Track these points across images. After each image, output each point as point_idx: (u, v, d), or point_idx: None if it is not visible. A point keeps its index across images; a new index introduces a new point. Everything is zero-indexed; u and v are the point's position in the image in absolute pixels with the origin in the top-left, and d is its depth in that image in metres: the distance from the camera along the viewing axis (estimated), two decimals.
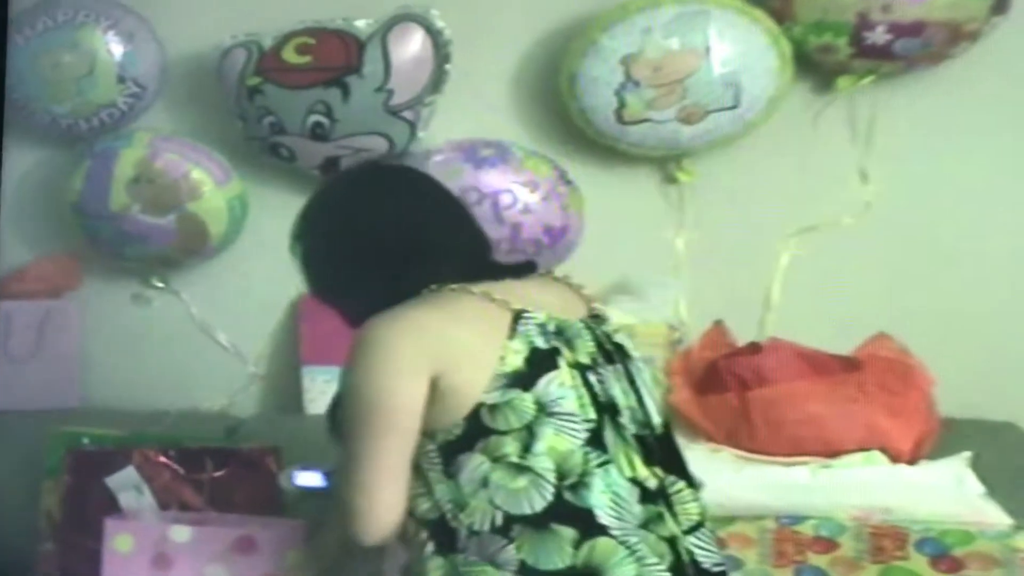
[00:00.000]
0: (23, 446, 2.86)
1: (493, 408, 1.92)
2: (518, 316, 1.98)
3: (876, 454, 2.56)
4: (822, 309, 2.88)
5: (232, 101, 3.08)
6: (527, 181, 2.95)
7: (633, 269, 2.95)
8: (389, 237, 2.05)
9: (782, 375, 2.61)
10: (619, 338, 2.08)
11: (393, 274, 2.03)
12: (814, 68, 2.94)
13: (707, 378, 2.70)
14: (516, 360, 1.95)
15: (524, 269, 2.13)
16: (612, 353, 2.04)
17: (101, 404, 3.14)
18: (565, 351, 1.98)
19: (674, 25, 2.86)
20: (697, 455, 2.30)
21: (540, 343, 1.97)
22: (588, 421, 1.95)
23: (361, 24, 2.98)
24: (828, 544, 2.50)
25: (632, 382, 2.03)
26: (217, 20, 3.13)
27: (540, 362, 1.96)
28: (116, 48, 3.09)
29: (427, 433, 1.96)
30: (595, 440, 1.94)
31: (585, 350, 2.01)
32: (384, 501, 1.95)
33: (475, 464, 1.92)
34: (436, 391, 1.94)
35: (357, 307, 2.06)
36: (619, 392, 2.00)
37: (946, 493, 2.49)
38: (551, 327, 1.99)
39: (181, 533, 2.41)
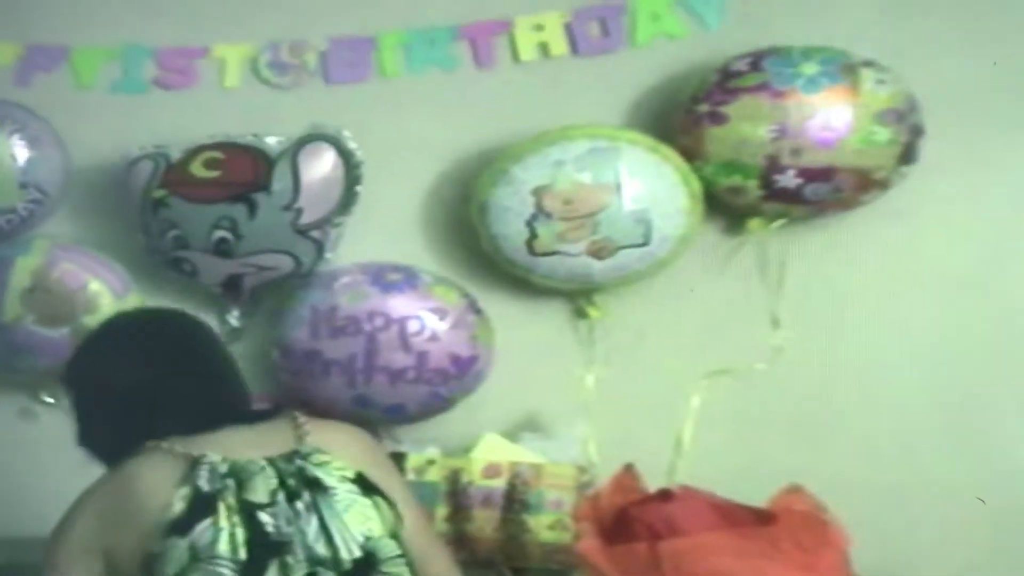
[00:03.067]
0: None
1: (155, 557, 1.80)
2: (195, 463, 1.85)
3: None
4: (734, 456, 2.57)
5: (135, 212, 2.76)
6: (435, 308, 2.65)
7: (542, 405, 2.67)
8: (107, 390, 1.95)
9: (694, 526, 2.27)
10: (317, 472, 1.89)
11: (111, 426, 1.94)
12: (725, 209, 2.68)
13: (616, 525, 2.35)
14: (178, 507, 1.82)
15: (261, 415, 1.98)
16: (297, 489, 1.86)
17: None
18: (230, 493, 1.83)
19: (586, 160, 2.61)
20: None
21: (204, 487, 1.83)
22: (237, 563, 1.79)
23: (272, 141, 2.70)
24: None
25: (321, 517, 1.85)
26: (125, 130, 2.82)
27: (200, 506, 1.82)
28: (20, 152, 2.77)
29: None
30: None
31: (265, 488, 1.85)
32: None
33: None
34: (118, 553, 1.84)
35: (97, 455, 1.98)
36: (296, 530, 1.84)
37: None
38: (222, 469, 1.85)
39: None
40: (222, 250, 2.69)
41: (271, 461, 1.88)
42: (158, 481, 1.85)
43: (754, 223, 2.67)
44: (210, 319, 2.74)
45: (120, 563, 1.84)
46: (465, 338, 2.66)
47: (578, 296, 2.74)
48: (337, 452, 1.92)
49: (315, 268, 2.74)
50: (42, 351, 2.74)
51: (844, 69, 2.57)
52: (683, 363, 2.63)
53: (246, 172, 2.69)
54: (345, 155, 2.71)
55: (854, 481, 2.53)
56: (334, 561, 1.85)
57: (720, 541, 2.29)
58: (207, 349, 2.05)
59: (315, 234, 2.71)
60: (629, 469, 2.55)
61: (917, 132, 2.57)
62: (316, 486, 1.88)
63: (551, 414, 2.68)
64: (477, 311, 2.71)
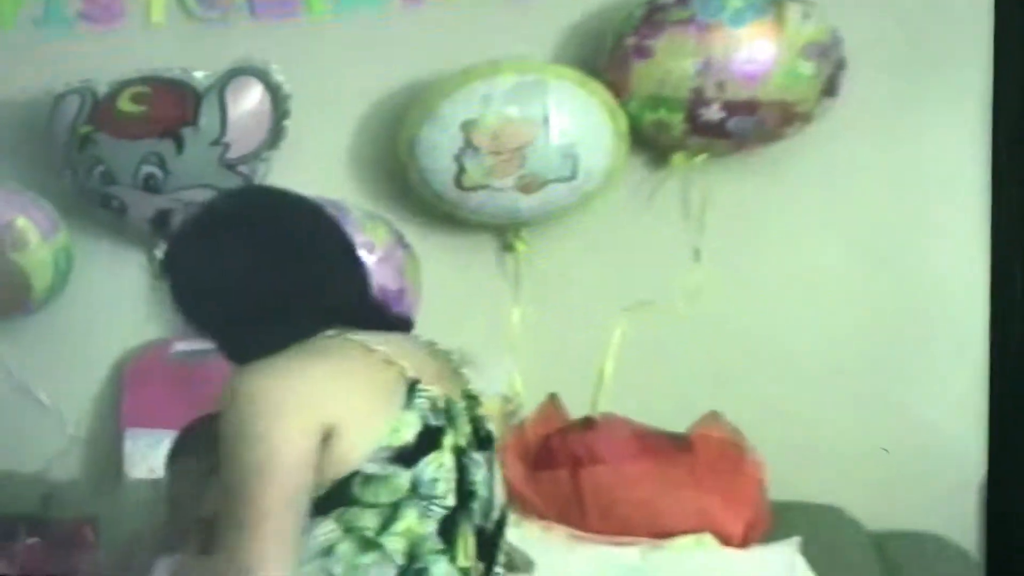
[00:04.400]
0: None
1: (368, 478, 1.64)
2: (413, 385, 1.70)
3: (707, 537, 2.37)
4: (654, 385, 2.66)
5: (62, 149, 2.78)
6: (364, 243, 2.65)
7: (468, 339, 2.71)
8: (268, 270, 1.73)
9: (614, 454, 2.41)
10: (488, 424, 1.81)
11: (271, 310, 1.73)
12: (650, 144, 2.72)
13: (540, 454, 2.49)
14: (408, 434, 1.67)
15: (403, 324, 1.84)
16: (483, 439, 1.79)
17: None
18: (449, 431, 1.72)
19: (513, 94, 2.63)
20: (529, 533, 2.08)
21: (431, 420, 1.70)
22: (445, 508, 1.69)
23: (199, 75, 2.72)
24: None
25: (491, 471, 1.78)
26: (50, 66, 2.83)
27: (427, 441, 1.69)
28: None
29: None
30: (444, 527, 1.68)
31: (463, 432, 1.75)
32: (281, 564, 1.59)
33: (323, 530, 1.63)
34: (325, 444, 1.64)
35: (232, 340, 1.76)
36: (479, 481, 1.76)
37: None
38: (441, 403, 1.72)
39: None
40: (150, 186, 2.72)
41: (466, 404, 1.79)
42: (379, 392, 1.69)
43: (678, 158, 2.72)
44: (139, 255, 2.86)
45: (320, 462, 1.64)
46: (393, 272, 2.70)
47: (505, 231, 2.79)
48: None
49: None
50: None
51: (770, 3, 2.61)
52: (607, 298, 2.72)
53: (173, 107, 2.71)
54: (273, 89, 2.73)
55: (769, 413, 2.62)
56: (490, 518, 1.80)
57: (640, 468, 2.42)
58: (346, 235, 1.86)
59: (243, 169, 2.73)
60: (553, 399, 2.66)
61: (840, 66, 2.63)
62: (489, 439, 1.83)
63: (477, 348, 2.75)
64: (405, 246, 2.76)
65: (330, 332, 1.71)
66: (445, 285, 2.77)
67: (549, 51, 2.77)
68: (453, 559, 1.69)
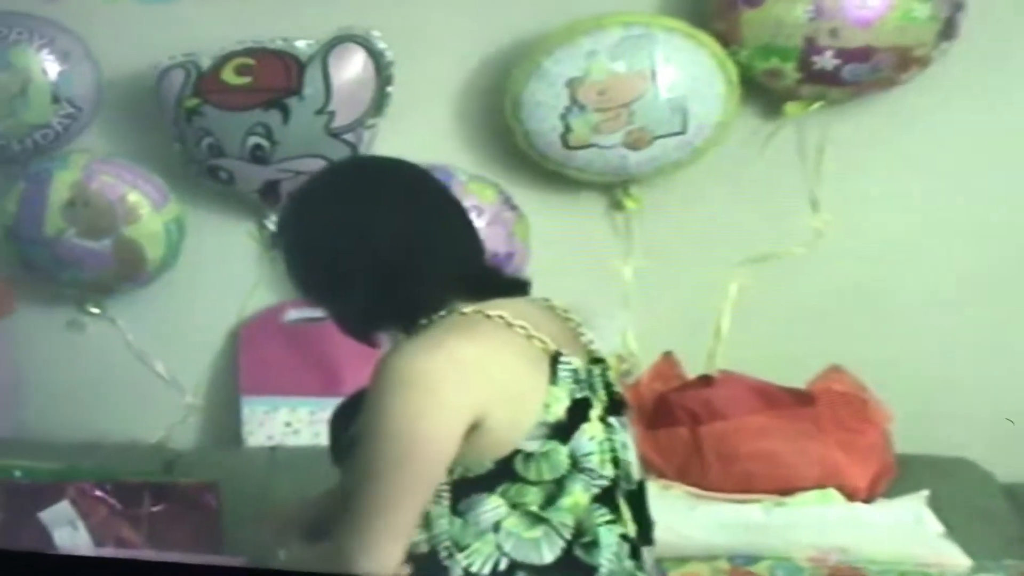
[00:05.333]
0: None
1: (529, 456, 1.68)
2: (555, 358, 1.72)
3: (831, 492, 2.36)
4: (773, 340, 2.65)
5: (169, 122, 2.84)
6: (472, 206, 2.66)
7: (580, 298, 2.73)
8: (389, 239, 1.74)
9: (734, 409, 2.41)
10: (619, 387, 1.83)
11: (388, 280, 1.74)
12: (762, 93, 2.72)
13: (657, 412, 2.49)
14: (559, 409, 1.70)
15: (520, 287, 1.85)
16: (616, 403, 1.80)
17: (34, 435, 2.91)
18: (594, 401, 1.74)
19: (620, 48, 2.64)
20: (648, 492, 2.08)
21: (576, 392, 1.72)
22: (603, 477, 1.73)
23: (302, 45, 2.76)
24: None
25: (626, 434, 1.82)
26: (155, 39, 2.88)
27: (577, 413, 1.72)
28: (51, 67, 2.86)
29: None
30: (606, 497, 1.72)
31: (601, 400, 1.78)
32: (389, 559, 1.66)
33: (490, 506, 1.68)
34: (478, 428, 1.67)
35: (349, 312, 1.79)
36: (620, 446, 1.78)
37: (904, 533, 2.29)
38: (582, 374, 1.74)
39: None
40: (257, 156, 2.77)
41: (600, 371, 1.81)
42: (528, 368, 1.71)
43: (792, 107, 2.71)
44: (249, 225, 2.92)
45: (476, 443, 1.67)
46: (503, 235, 2.74)
47: (614, 188, 2.80)
48: None
49: None
50: (85, 263, 2.86)
51: None
52: (721, 251, 2.71)
53: (278, 77, 2.76)
54: (375, 56, 2.77)
55: (892, 366, 2.59)
56: (632, 481, 1.81)
57: (761, 423, 2.42)
58: (459, 202, 1.87)
59: (349, 137, 2.77)
60: (668, 356, 2.67)
61: (957, 7, 2.60)
62: (622, 402, 1.84)
63: (589, 307, 2.75)
64: (513, 207, 2.78)
65: (466, 309, 1.72)
66: (555, 245, 2.78)
67: (655, 2, 2.75)
68: (619, 528, 1.73)
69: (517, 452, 1.68)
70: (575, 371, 1.72)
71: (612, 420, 1.77)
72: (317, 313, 2.90)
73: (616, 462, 1.75)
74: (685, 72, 2.66)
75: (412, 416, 1.64)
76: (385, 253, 1.73)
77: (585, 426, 1.71)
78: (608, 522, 1.72)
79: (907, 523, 2.30)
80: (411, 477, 1.65)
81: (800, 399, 2.47)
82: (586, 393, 1.72)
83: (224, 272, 2.93)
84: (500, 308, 1.72)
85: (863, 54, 2.60)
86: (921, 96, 2.68)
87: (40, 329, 2.99)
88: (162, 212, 2.87)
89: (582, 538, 1.70)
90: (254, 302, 2.92)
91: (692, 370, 2.61)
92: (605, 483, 1.72)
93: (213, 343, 2.96)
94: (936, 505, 2.35)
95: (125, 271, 2.88)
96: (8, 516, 2.48)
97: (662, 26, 2.67)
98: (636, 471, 1.80)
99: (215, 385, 2.97)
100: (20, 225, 2.88)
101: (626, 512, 1.75)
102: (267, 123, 2.74)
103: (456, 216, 1.83)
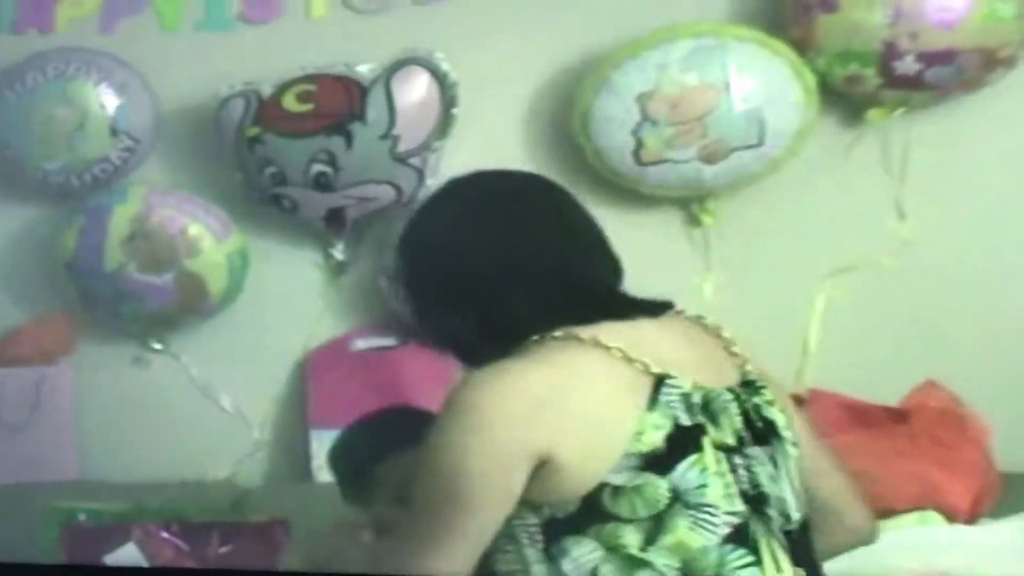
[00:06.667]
0: (15, 523, 2.57)
1: (618, 490, 1.55)
2: (660, 381, 1.59)
3: (931, 513, 2.30)
4: (863, 355, 2.60)
5: (230, 152, 2.86)
6: None
7: None
8: (494, 261, 1.67)
9: (827, 428, 2.31)
10: (770, 413, 1.67)
11: (501, 305, 1.66)
12: (841, 100, 2.68)
13: None
14: (655, 438, 1.57)
15: (659, 307, 1.72)
16: (762, 432, 1.66)
17: (98, 476, 2.91)
18: (710, 428, 1.60)
19: (691, 60, 2.63)
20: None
21: (683, 419, 1.59)
22: (732, 514, 1.58)
23: (363, 69, 2.77)
24: None
25: (777, 466, 1.65)
26: (213, 69, 2.91)
27: (682, 442, 1.58)
28: (108, 101, 2.89)
29: (531, 504, 1.57)
30: (739, 536, 1.57)
31: (731, 427, 1.63)
32: None
33: (584, 550, 1.55)
34: (550, 464, 1.56)
35: (458, 342, 1.72)
36: (766, 479, 1.63)
37: (1011, 556, 2.21)
38: (696, 398, 1.60)
39: None
40: (321, 184, 2.78)
41: (735, 394, 1.66)
42: (617, 395, 1.59)
43: (874, 113, 2.67)
44: (314, 254, 2.91)
45: (554, 480, 1.56)
46: None
47: (690, 203, 2.77)
48: (771, 387, 1.71)
49: (417, 195, 2.78)
50: (147, 297, 2.87)
51: None
52: (804, 263, 2.68)
53: (340, 102, 2.76)
54: (439, 77, 2.77)
55: (990, 373, 2.55)
56: (792, 520, 1.65)
57: (855, 442, 2.35)
58: (586, 217, 1.78)
59: (414, 161, 2.77)
60: None
61: None
62: (773, 431, 1.68)
63: None
64: None
65: (557, 333, 1.61)
66: (632, 263, 2.72)
67: (726, 10, 2.73)
68: (762, 571, 1.57)
69: (603, 486, 1.56)
70: (686, 395, 1.60)
71: (751, 451, 1.63)
72: (385, 341, 2.94)
73: (761, 498, 1.61)
74: (760, 82, 2.63)
75: (471, 452, 1.56)
76: (478, 272, 1.67)
77: (693, 457, 1.57)
78: (746, 565, 1.57)
79: (1015, 544, 2.23)
80: (469, 514, 1.56)
81: (894, 416, 2.43)
82: (699, 419, 1.59)
83: (289, 302, 2.93)
84: (601, 330, 1.61)
85: (946, 56, 2.56)
86: (1008, 97, 2.63)
87: (102, 366, 3.00)
88: (224, 244, 2.88)
89: None
90: (321, 332, 2.91)
91: None
92: (735, 520, 1.58)
93: (279, 375, 2.95)
94: None
95: (188, 304, 2.89)
96: (74, 560, 2.49)
97: (734, 35, 2.66)
98: (795, 507, 1.65)
99: (283, 419, 2.96)
100: (79, 260, 2.89)
101: (779, 555, 1.60)
102: (330, 149, 2.75)
103: (578, 233, 1.73)
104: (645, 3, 2.74)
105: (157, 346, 2.99)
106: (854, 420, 2.42)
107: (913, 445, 2.36)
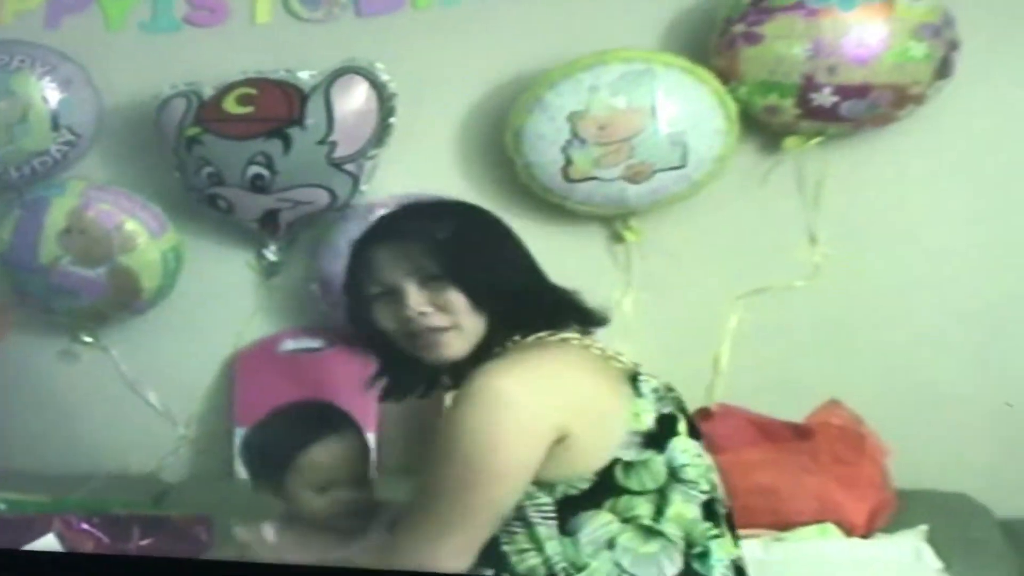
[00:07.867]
0: None
1: (629, 466, 1.73)
2: (634, 376, 1.81)
3: (830, 527, 2.37)
4: (771, 374, 2.69)
5: (169, 151, 2.90)
6: None
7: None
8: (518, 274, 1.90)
9: (733, 443, 2.42)
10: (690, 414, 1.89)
11: (513, 312, 1.83)
12: (761, 128, 2.77)
13: None
14: (648, 419, 1.76)
15: (599, 320, 1.93)
16: (694, 424, 1.86)
17: (21, 466, 2.89)
18: (680, 417, 1.81)
19: (620, 83, 2.70)
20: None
21: (662, 407, 1.80)
22: (704, 492, 1.78)
23: (304, 76, 2.83)
24: None
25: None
26: (157, 69, 2.95)
27: (667, 425, 1.78)
28: (52, 94, 2.92)
29: (545, 484, 1.71)
30: (709, 512, 1.77)
31: (687, 418, 1.85)
32: (455, 568, 1.70)
33: (601, 523, 1.71)
34: (567, 440, 1.71)
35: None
36: (707, 467, 1.83)
37: (904, 568, 2.30)
38: (663, 391, 1.81)
39: None
40: (258, 186, 2.82)
41: (669, 389, 1.85)
42: (611, 382, 1.79)
43: (790, 142, 2.76)
44: (247, 254, 2.97)
45: (570, 455, 1.71)
46: None
47: (614, 220, 2.84)
48: None
49: (351, 201, 2.86)
50: (80, 290, 2.90)
51: None
52: (720, 284, 2.76)
53: (280, 107, 2.80)
54: (378, 87, 2.83)
55: (890, 395, 2.64)
56: (727, 508, 1.85)
57: (759, 457, 2.44)
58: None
59: (350, 167, 2.83)
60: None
61: (953, 46, 2.66)
62: (696, 427, 1.87)
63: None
64: None
65: (542, 333, 1.81)
66: (557, 275, 2.78)
67: (656, 38, 2.81)
68: (725, 542, 1.76)
69: (615, 462, 1.72)
70: (656, 389, 1.79)
71: (696, 441, 1.81)
72: (313, 343, 2.99)
73: (708, 479, 1.79)
74: (685, 107, 2.72)
75: (492, 434, 1.68)
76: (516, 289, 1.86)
77: (676, 439, 1.76)
78: (715, 536, 1.75)
79: (906, 559, 2.31)
80: (486, 495, 1.68)
81: (798, 433, 2.49)
82: (671, 409, 1.78)
83: (221, 301, 2.98)
84: (573, 334, 1.82)
85: (861, 91, 2.66)
86: (917, 133, 2.72)
87: (32, 357, 3.02)
88: (160, 241, 2.92)
89: (693, 549, 1.73)
90: (250, 332, 2.96)
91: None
92: (705, 497, 1.76)
93: (207, 373, 2.99)
94: (934, 540, 2.36)
95: (120, 299, 2.93)
96: None
97: (662, 62, 2.73)
98: (725, 496, 1.83)
99: (208, 416, 3.00)
100: (14, 252, 2.92)
101: (727, 529, 1.79)
102: (268, 152, 2.79)
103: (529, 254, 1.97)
104: (579, 27, 2.82)
105: (87, 339, 3.03)
106: (760, 435, 2.49)
107: (815, 461, 2.43)
